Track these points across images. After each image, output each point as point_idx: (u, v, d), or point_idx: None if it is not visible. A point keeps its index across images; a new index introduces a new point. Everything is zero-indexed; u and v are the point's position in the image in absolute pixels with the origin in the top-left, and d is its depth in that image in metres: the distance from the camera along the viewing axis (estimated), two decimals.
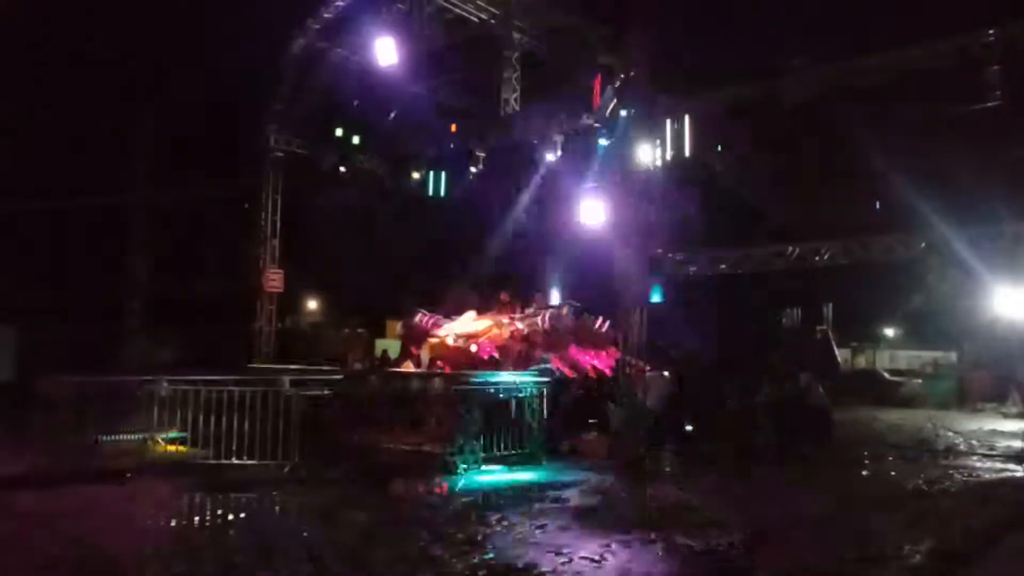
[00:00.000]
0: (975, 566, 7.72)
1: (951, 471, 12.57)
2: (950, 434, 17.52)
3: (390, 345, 21.97)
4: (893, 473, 12.45)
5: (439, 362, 17.53)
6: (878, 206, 19.93)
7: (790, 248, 17.56)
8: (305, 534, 7.80)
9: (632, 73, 17.18)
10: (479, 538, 7.76)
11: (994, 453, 14.69)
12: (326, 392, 12.08)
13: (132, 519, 8.31)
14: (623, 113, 17.77)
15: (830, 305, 28.43)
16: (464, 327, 19.12)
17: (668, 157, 17.71)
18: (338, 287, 29.58)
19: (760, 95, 17.18)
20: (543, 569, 6.80)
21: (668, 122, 17.76)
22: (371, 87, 20.82)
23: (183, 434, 10.77)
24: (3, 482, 9.80)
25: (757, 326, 23.43)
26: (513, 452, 12.11)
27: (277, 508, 9.10)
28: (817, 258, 17.35)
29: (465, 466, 11.22)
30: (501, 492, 10.10)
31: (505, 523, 8.39)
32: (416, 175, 24.01)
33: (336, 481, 10.32)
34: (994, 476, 12.28)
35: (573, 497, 9.98)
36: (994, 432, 18.11)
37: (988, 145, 16.56)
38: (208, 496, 9.38)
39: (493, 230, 23.42)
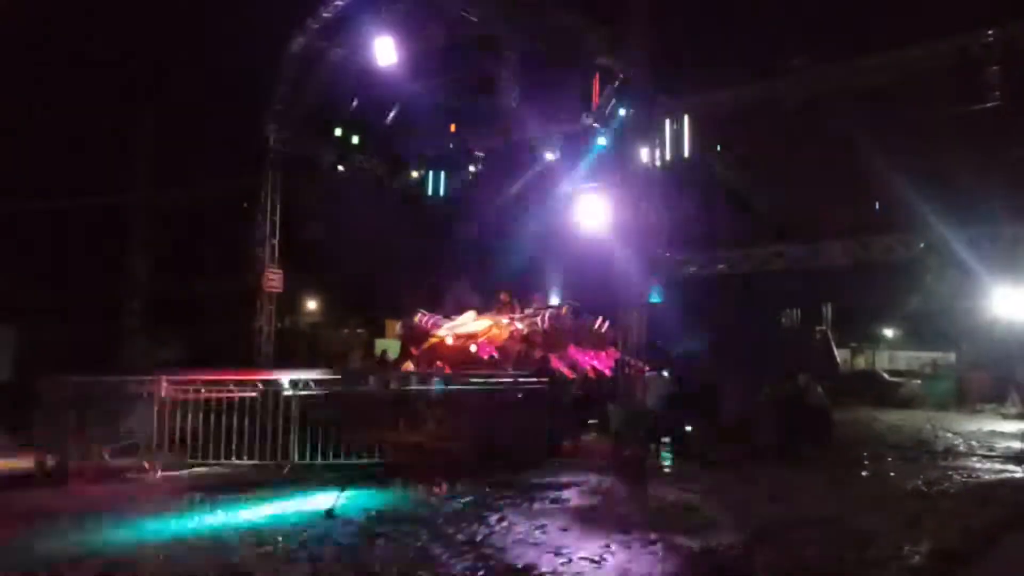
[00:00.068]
0: (974, 566, 7.73)
1: (950, 472, 12.57)
2: (949, 435, 17.52)
3: (390, 345, 22.01)
4: (892, 474, 12.45)
5: (439, 362, 17.55)
6: (877, 206, 19.93)
7: (789, 248, 17.58)
8: (305, 534, 7.79)
9: (632, 73, 17.19)
10: (479, 538, 7.76)
11: (993, 454, 14.69)
12: (324, 391, 12.08)
13: (132, 519, 8.30)
14: (622, 113, 17.80)
15: (829, 306, 28.48)
16: (463, 327, 19.16)
17: (667, 157, 17.73)
18: (337, 287, 29.61)
19: (760, 95, 17.20)
20: (543, 570, 6.80)
21: (667, 122, 17.79)
22: (370, 87, 20.85)
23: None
24: (3, 482, 9.80)
25: (757, 326, 23.42)
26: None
27: (277, 508, 9.07)
28: (816, 258, 17.38)
29: None
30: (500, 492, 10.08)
31: (505, 523, 8.39)
32: (415, 175, 24.07)
33: (335, 480, 10.33)
34: (993, 477, 12.28)
35: (573, 497, 9.98)
36: (993, 433, 18.10)
37: (987, 145, 16.57)
38: (208, 496, 9.38)
39: (492, 230, 23.45)
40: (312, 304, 33.05)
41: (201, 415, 10.66)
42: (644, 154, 17.46)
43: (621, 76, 17.60)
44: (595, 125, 18.91)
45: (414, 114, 22.50)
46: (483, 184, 23.42)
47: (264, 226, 20.47)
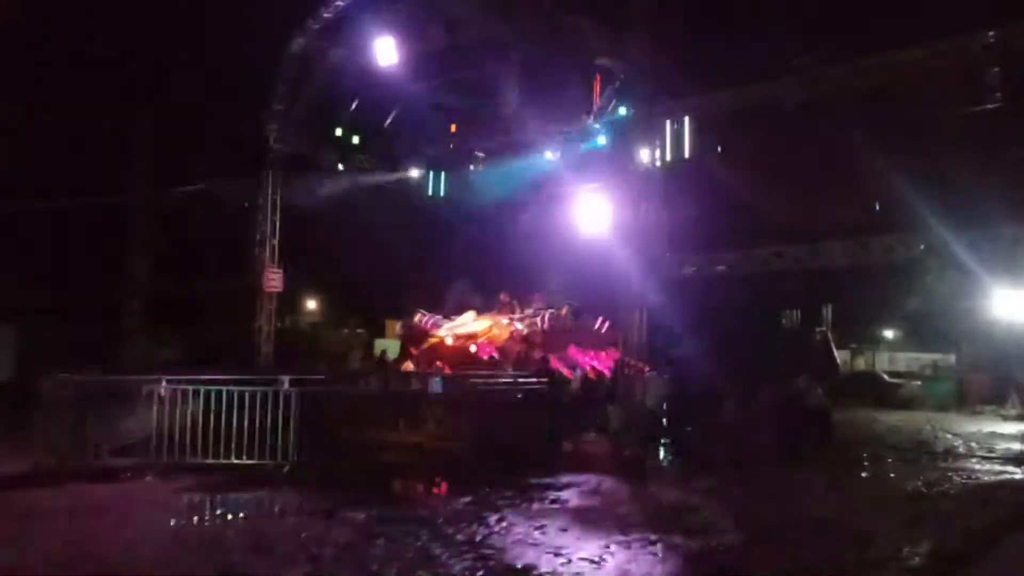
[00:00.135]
0: (974, 567, 7.73)
1: (950, 473, 12.56)
2: (949, 436, 17.50)
3: (389, 345, 22.00)
4: (892, 475, 12.44)
5: (438, 362, 17.55)
6: (877, 207, 19.94)
7: (790, 249, 17.58)
8: (304, 534, 7.79)
9: (632, 74, 17.21)
10: (478, 538, 7.76)
11: (993, 455, 14.67)
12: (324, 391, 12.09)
13: (131, 519, 8.30)
14: (623, 113, 17.81)
15: (829, 307, 28.45)
16: (463, 327, 19.16)
17: (668, 158, 17.73)
18: (337, 287, 29.60)
19: (760, 96, 17.21)
20: (542, 570, 6.80)
21: (668, 123, 17.78)
22: (371, 87, 20.86)
23: None
24: (3, 481, 9.80)
25: (757, 327, 23.42)
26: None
27: (276, 508, 9.08)
28: (816, 259, 17.38)
29: None
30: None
31: (504, 523, 8.39)
32: (416, 175, 24.09)
33: (335, 480, 10.33)
34: (993, 478, 12.27)
35: (572, 498, 9.97)
36: (993, 434, 18.08)
37: (987, 146, 16.57)
38: (208, 495, 9.38)
39: (492, 230, 23.45)
40: (312, 304, 33.05)
41: (200, 415, 10.66)
42: (644, 155, 17.47)
43: (622, 77, 17.61)
44: (595, 126, 18.93)
45: (414, 114, 22.52)
46: (483, 184, 23.43)
47: (264, 226, 20.47)
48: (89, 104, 21.70)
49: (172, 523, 8.30)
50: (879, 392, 26.48)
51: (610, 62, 17.92)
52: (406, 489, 10.52)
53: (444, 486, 10.54)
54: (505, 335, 18.71)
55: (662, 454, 13.27)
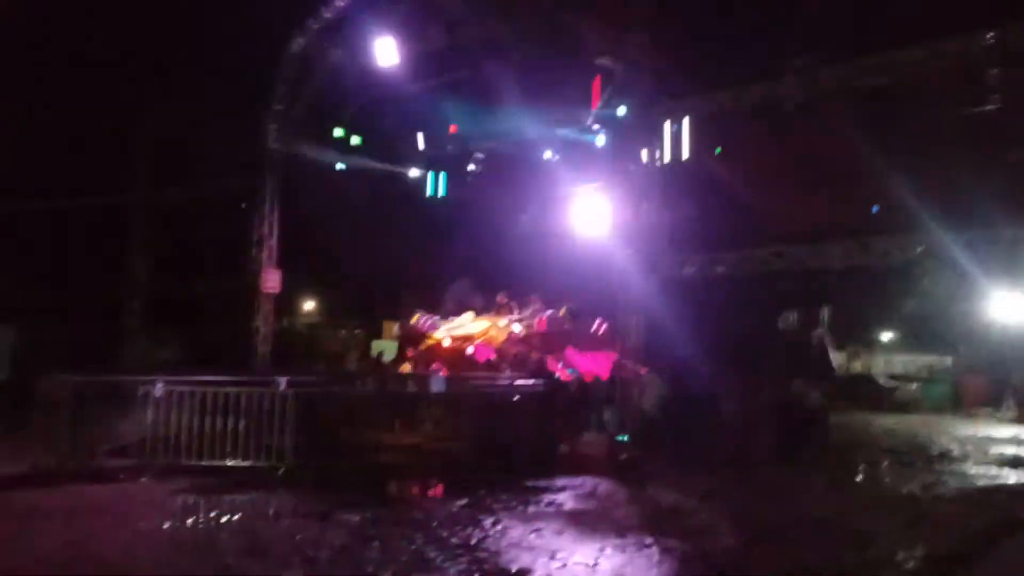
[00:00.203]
0: (969, 571, 7.75)
1: (946, 476, 12.59)
2: (945, 439, 17.53)
3: (386, 346, 21.99)
4: (888, 478, 12.46)
5: (435, 363, 17.56)
6: (876, 209, 19.95)
7: (788, 250, 17.59)
8: (299, 536, 7.81)
9: (632, 74, 17.21)
10: (474, 541, 7.78)
11: (988, 459, 14.70)
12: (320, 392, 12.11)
13: (127, 520, 8.31)
14: (622, 114, 17.81)
15: (827, 308, 28.43)
16: (461, 329, 19.17)
17: (667, 158, 17.73)
18: (335, 288, 29.61)
19: (759, 97, 17.21)
20: (537, 573, 6.83)
21: (667, 123, 17.77)
22: (371, 87, 20.85)
23: None
24: (1, 481, 9.81)
25: (754, 329, 23.42)
26: None
27: (272, 510, 9.09)
28: (815, 261, 17.39)
29: None
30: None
31: (500, 526, 8.40)
32: (415, 175, 24.10)
33: (331, 482, 10.35)
34: (989, 482, 12.29)
35: (568, 500, 9.98)
36: (989, 438, 18.10)
37: (987, 148, 16.57)
38: (203, 497, 9.39)
39: (491, 231, 23.45)
40: (309, 305, 33.06)
41: (197, 416, 10.67)
42: (644, 155, 17.48)
43: (621, 77, 17.62)
44: (595, 126, 18.94)
45: (414, 114, 22.52)
46: (483, 185, 23.44)
47: (262, 227, 20.47)
48: (89, 104, 21.69)
49: (168, 525, 8.31)
50: (875, 394, 26.49)
51: (610, 62, 17.92)
52: (402, 491, 10.54)
53: (440, 488, 10.57)
54: (502, 337, 18.72)
55: (659, 456, 13.27)
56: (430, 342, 19.01)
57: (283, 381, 11.38)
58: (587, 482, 11.14)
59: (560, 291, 20.56)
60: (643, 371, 15.02)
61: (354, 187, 23.49)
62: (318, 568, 6.83)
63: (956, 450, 15.82)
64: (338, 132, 22.25)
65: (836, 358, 28.88)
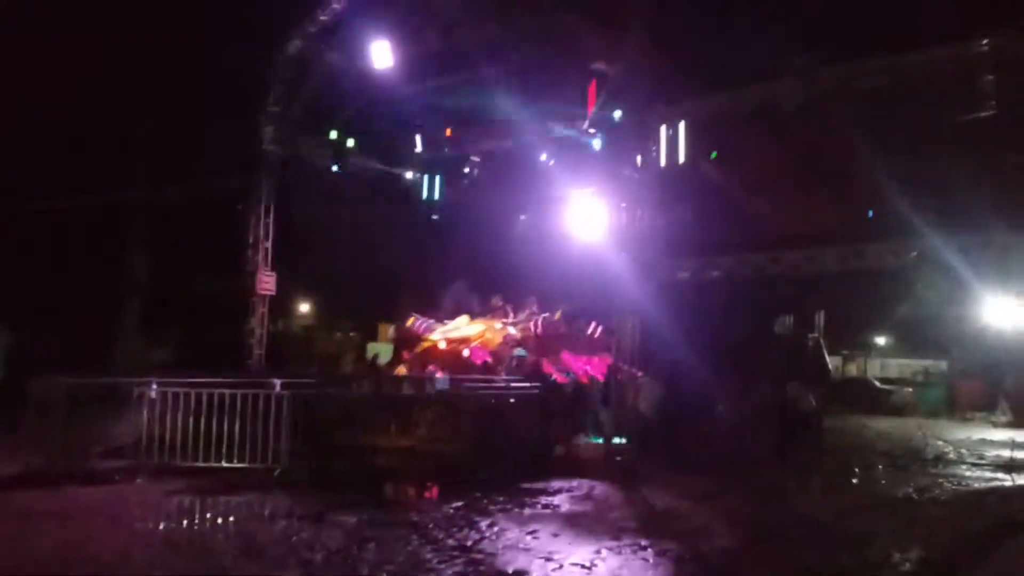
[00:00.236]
0: (967, 573, 7.77)
1: (940, 479, 12.63)
2: (940, 443, 17.58)
3: (382, 349, 21.95)
4: (883, 481, 12.49)
5: (431, 366, 17.52)
6: (871, 214, 20.00)
7: (784, 255, 17.62)
8: (295, 538, 7.78)
9: (628, 78, 17.22)
10: (469, 543, 7.76)
11: (983, 462, 14.75)
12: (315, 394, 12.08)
13: (121, 521, 8.27)
14: (618, 117, 17.82)
15: (822, 313, 28.50)
16: (456, 331, 19.14)
17: (663, 162, 17.74)
18: (331, 290, 29.56)
19: (754, 101, 17.25)
20: (533, 575, 6.81)
21: (663, 127, 17.79)
22: (367, 89, 20.82)
23: None
24: None
25: (750, 332, 23.46)
26: None
27: (267, 511, 9.06)
28: (810, 265, 17.42)
29: None
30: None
31: (496, 528, 8.39)
32: (411, 178, 24.08)
33: (326, 484, 10.33)
34: (983, 485, 12.33)
35: (564, 503, 9.99)
36: (983, 441, 18.18)
37: (980, 153, 16.64)
38: (198, 499, 9.36)
39: (487, 234, 23.45)
40: (305, 307, 33.01)
41: (192, 417, 10.64)
42: (640, 159, 17.48)
43: (617, 81, 17.63)
44: (591, 130, 18.94)
45: (410, 117, 22.50)
46: (479, 188, 23.43)
47: (258, 228, 20.42)
48: (87, 103, 21.64)
49: (163, 526, 8.29)
50: (870, 398, 26.60)
51: (606, 66, 17.93)
52: (397, 493, 10.51)
53: (436, 490, 10.55)
54: (498, 339, 18.68)
55: (655, 458, 13.27)
56: (426, 344, 18.98)
57: (278, 383, 11.36)
58: (583, 484, 11.14)
59: (556, 294, 20.54)
60: (639, 374, 15.01)
61: (350, 189, 23.45)
62: (314, 570, 6.80)
63: (951, 453, 15.88)
64: (334, 134, 22.22)
65: (831, 362, 28.94)
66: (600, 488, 10.98)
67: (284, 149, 20.84)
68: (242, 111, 21.23)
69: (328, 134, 21.91)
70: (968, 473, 13.42)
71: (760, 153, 19.28)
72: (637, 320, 15.92)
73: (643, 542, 7.93)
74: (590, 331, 19.37)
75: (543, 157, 21.30)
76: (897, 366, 31.96)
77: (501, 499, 9.85)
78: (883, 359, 33.08)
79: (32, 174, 21.82)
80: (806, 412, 15.03)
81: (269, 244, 20.46)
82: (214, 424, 10.57)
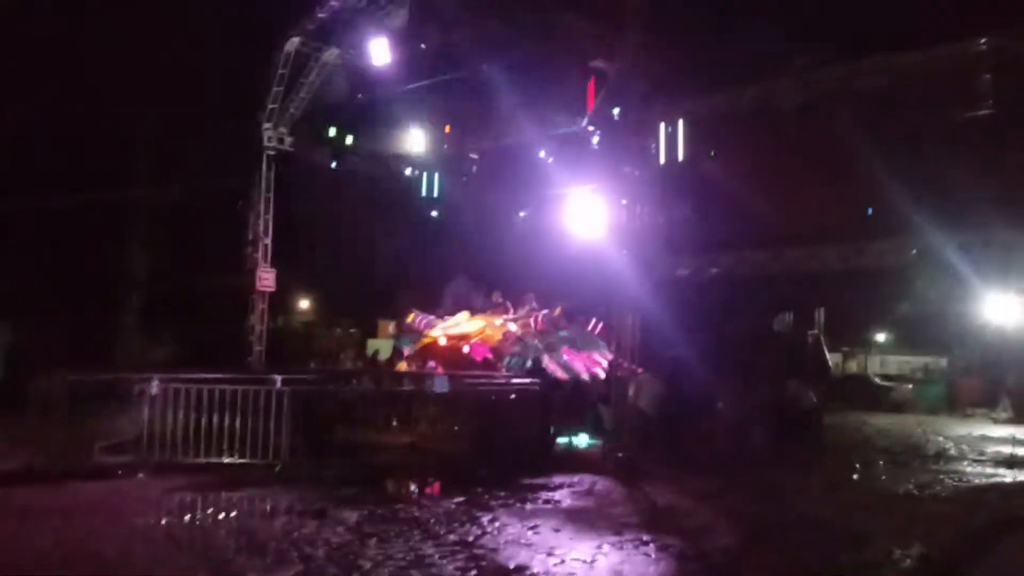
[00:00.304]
0: (966, 571, 7.77)
1: (941, 476, 12.64)
2: (940, 439, 17.60)
3: (381, 345, 21.97)
4: (884, 478, 12.50)
5: (431, 362, 17.54)
6: (871, 211, 20.00)
7: (784, 252, 17.62)
8: (296, 534, 7.78)
9: (627, 75, 17.20)
10: (471, 539, 7.77)
11: (983, 458, 14.77)
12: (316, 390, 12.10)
13: (123, 517, 8.28)
14: (617, 115, 17.80)
15: (822, 310, 28.53)
16: (456, 328, 19.15)
17: (662, 159, 17.74)
18: (331, 286, 29.55)
19: (754, 99, 17.23)
20: (535, 570, 6.81)
21: (662, 125, 17.79)
22: (365, 87, 20.83)
23: None
24: None
25: (750, 330, 23.48)
26: None
27: (268, 507, 9.07)
28: (810, 263, 17.42)
29: None
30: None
31: (497, 524, 8.40)
32: (409, 175, 24.08)
33: (327, 480, 10.34)
34: (984, 481, 12.35)
35: (566, 498, 10.00)
36: (984, 438, 18.19)
37: (980, 151, 16.64)
38: (199, 495, 9.36)
39: (486, 231, 23.46)
40: (305, 303, 33.01)
41: (193, 414, 10.64)
42: (639, 157, 17.48)
43: (616, 78, 17.61)
44: (590, 127, 18.94)
45: (408, 114, 22.51)
46: (477, 185, 23.44)
47: (257, 225, 20.42)
48: (89, 103, 21.62)
49: (164, 522, 8.29)
50: (871, 395, 26.61)
51: (605, 63, 17.92)
52: (398, 489, 10.52)
53: (437, 486, 10.56)
54: (498, 336, 18.68)
55: (655, 455, 13.28)
56: (426, 341, 18.99)
57: (279, 379, 11.37)
58: (584, 480, 11.16)
59: (555, 291, 20.55)
60: (639, 371, 15.01)
61: (349, 186, 23.46)
62: (315, 566, 6.80)
63: (952, 450, 15.90)
64: (333, 131, 22.22)
65: (831, 359, 28.96)
66: (601, 484, 10.99)
67: (283, 146, 20.83)
68: (241, 109, 21.23)
69: (327, 131, 21.91)
70: (969, 469, 13.44)
71: (760, 151, 19.28)
72: (637, 317, 15.92)
73: (644, 538, 7.94)
74: (590, 328, 19.39)
75: (542, 154, 21.30)
76: (897, 363, 31.97)
77: (502, 495, 9.86)
78: (883, 356, 33.09)
79: (33, 173, 21.81)
80: (806, 409, 15.04)
81: (269, 241, 20.46)
82: (215, 420, 10.58)
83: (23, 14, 19.07)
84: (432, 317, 19.95)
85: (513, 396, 13.06)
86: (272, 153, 20.66)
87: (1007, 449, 15.51)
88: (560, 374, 16.89)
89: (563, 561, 7.08)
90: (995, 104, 14.47)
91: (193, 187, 22.76)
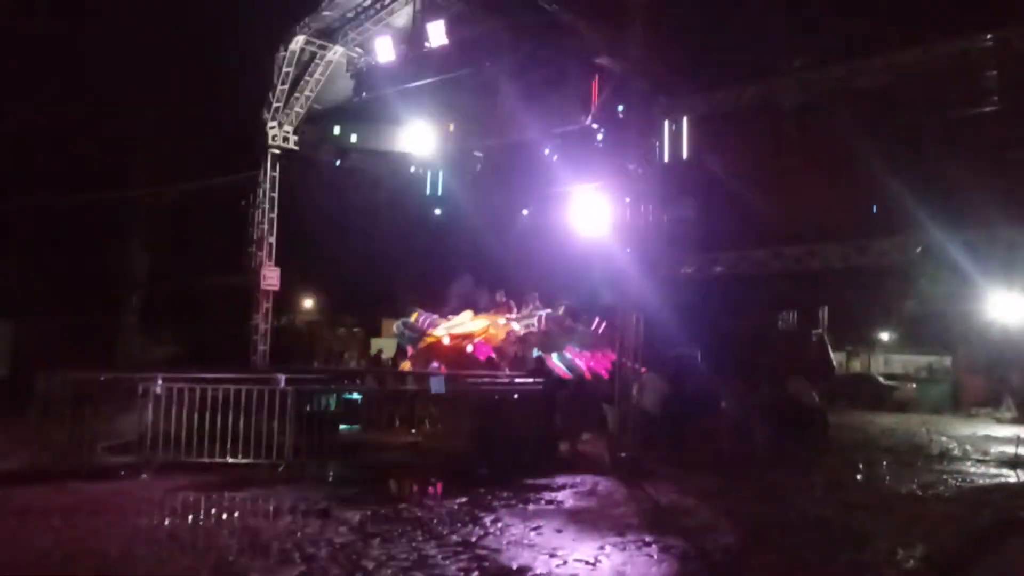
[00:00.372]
0: (969, 571, 7.75)
1: (945, 476, 12.61)
2: (944, 439, 17.56)
3: (385, 344, 21.98)
4: (887, 478, 12.47)
5: (435, 362, 17.55)
6: (875, 209, 19.94)
7: (787, 251, 17.57)
8: (299, 533, 7.79)
9: (630, 74, 17.16)
10: (474, 539, 7.77)
11: (987, 458, 14.72)
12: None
13: (126, 517, 8.29)
14: (621, 113, 17.78)
15: (825, 308, 28.50)
16: (460, 327, 19.14)
17: (666, 158, 17.71)
18: (335, 286, 29.58)
19: (758, 97, 17.18)
20: (537, 571, 6.80)
21: (666, 123, 17.75)
22: (369, 85, 20.83)
23: None
24: (0, 478, 9.79)
25: (753, 328, 23.45)
26: None
27: (271, 507, 9.07)
28: (814, 261, 17.37)
29: None
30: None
31: (500, 524, 8.39)
32: (414, 173, 24.07)
33: (330, 480, 10.34)
34: (988, 481, 12.31)
35: (568, 499, 9.98)
36: (988, 437, 18.14)
37: (985, 149, 16.58)
38: (203, 494, 9.37)
39: (490, 230, 23.43)
40: (309, 303, 33.04)
41: (196, 413, 10.65)
42: (643, 154, 17.44)
43: (620, 76, 17.59)
44: (594, 125, 18.92)
45: (412, 112, 22.49)
46: (481, 183, 23.42)
47: (262, 225, 20.44)
48: (91, 102, 21.66)
49: (167, 522, 8.29)
50: (874, 394, 26.55)
51: (609, 61, 17.88)
52: (401, 489, 10.53)
53: (440, 486, 10.55)
54: (502, 335, 18.69)
55: (658, 454, 13.26)
56: (429, 340, 18.99)
57: (283, 378, 11.37)
58: (587, 480, 11.14)
59: (559, 289, 20.54)
60: (643, 370, 14.99)
61: (353, 185, 23.45)
62: (318, 565, 6.80)
63: (955, 449, 15.85)
64: (337, 130, 22.22)
65: (835, 358, 28.93)
66: (604, 484, 10.97)
67: (287, 144, 20.85)
68: (245, 107, 21.25)
69: (331, 129, 21.92)
70: (972, 469, 13.40)
71: (763, 148, 19.22)
72: (641, 316, 15.90)
73: (647, 538, 7.93)
74: (593, 327, 19.38)
75: (546, 152, 21.28)
76: (901, 362, 31.90)
77: (505, 495, 9.85)
78: (887, 355, 33.02)
79: (33, 173, 21.86)
80: (810, 408, 15.01)
81: (273, 240, 20.50)
82: (219, 420, 10.59)
83: (23, 14, 19.08)
84: (436, 316, 19.95)
85: (516, 396, 13.04)
86: (277, 151, 20.68)
87: (1011, 449, 15.46)
88: (563, 373, 16.87)
89: (566, 562, 7.06)
90: (1000, 100, 14.43)
91: (197, 186, 22.79)
